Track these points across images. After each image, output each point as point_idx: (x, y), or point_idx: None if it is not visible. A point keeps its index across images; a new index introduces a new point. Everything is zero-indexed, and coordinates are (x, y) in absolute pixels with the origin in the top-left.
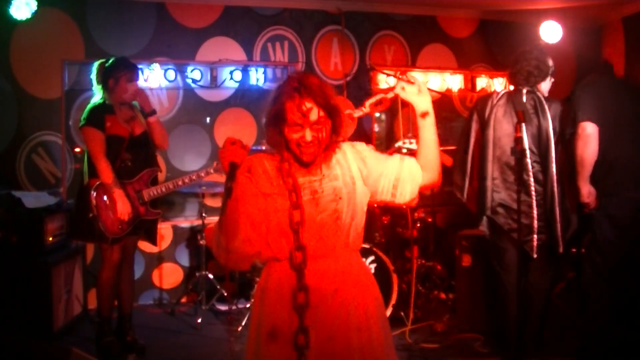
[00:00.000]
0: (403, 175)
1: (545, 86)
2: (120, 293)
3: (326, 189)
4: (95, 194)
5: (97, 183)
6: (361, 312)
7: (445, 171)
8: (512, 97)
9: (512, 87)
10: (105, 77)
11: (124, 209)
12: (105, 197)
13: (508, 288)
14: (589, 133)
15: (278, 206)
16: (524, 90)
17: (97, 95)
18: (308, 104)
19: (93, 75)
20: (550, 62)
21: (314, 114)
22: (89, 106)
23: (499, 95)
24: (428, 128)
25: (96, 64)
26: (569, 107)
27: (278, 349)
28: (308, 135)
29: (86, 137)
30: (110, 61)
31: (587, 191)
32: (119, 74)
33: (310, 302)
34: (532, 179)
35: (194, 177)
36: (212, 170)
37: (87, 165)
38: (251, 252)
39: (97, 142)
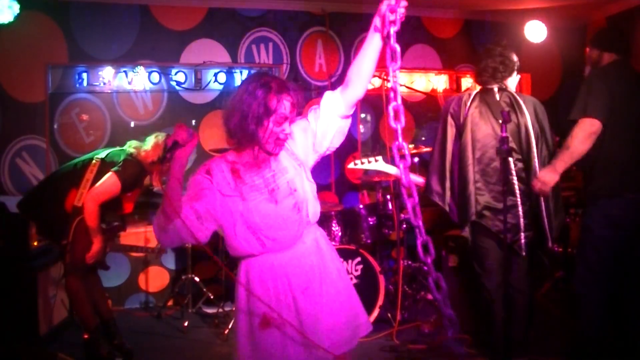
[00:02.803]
0: (327, 119)
1: (512, 82)
2: (94, 301)
3: (281, 185)
4: (77, 223)
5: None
6: (333, 269)
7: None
8: (485, 97)
9: (479, 87)
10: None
11: (97, 256)
12: (83, 231)
13: (491, 290)
14: (594, 131)
15: (240, 208)
16: (495, 89)
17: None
18: (291, 99)
19: (154, 139)
20: (515, 58)
21: (293, 109)
22: (135, 158)
23: (471, 97)
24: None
25: (164, 136)
26: (578, 91)
27: (271, 334)
28: (288, 127)
29: (109, 181)
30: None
31: (551, 179)
32: None
33: (298, 286)
34: (515, 178)
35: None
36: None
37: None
38: (185, 236)
39: (109, 193)
